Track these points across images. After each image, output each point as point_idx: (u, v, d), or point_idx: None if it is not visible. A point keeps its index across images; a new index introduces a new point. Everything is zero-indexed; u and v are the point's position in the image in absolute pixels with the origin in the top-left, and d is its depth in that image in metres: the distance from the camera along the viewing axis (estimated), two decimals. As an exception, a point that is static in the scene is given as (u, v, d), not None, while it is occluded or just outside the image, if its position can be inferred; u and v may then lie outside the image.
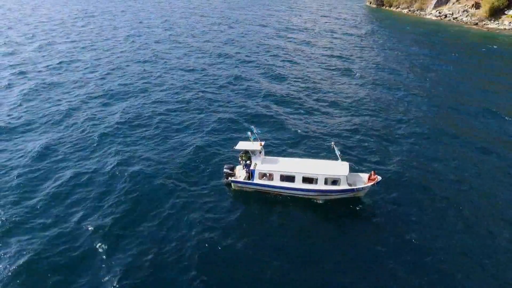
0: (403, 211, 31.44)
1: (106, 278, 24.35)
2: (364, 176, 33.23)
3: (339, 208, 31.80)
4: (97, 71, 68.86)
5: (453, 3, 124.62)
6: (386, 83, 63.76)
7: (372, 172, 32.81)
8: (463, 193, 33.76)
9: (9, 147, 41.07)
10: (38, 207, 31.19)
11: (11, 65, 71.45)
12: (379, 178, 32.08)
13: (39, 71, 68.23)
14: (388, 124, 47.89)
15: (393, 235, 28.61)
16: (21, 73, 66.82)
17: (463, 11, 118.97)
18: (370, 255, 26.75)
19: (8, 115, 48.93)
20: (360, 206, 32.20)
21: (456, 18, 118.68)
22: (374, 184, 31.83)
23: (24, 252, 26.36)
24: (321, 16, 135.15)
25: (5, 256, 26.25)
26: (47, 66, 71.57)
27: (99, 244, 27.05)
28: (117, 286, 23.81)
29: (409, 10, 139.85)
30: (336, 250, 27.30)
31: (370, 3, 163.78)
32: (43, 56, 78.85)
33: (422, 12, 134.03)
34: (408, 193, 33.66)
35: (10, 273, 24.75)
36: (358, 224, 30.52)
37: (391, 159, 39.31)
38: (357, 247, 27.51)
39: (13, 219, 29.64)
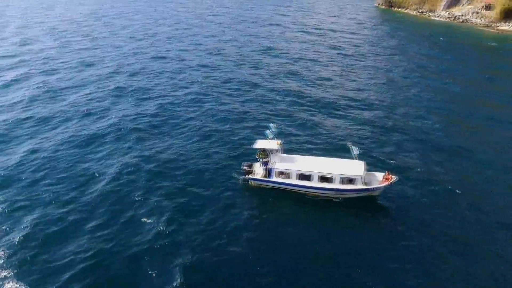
0: (418, 210, 31.36)
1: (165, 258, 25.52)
2: (380, 175, 33.18)
3: (353, 205, 31.83)
4: (125, 69, 69.92)
5: (464, 5, 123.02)
6: (398, 82, 63.41)
7: (387, 172, 32.80)
8: (487, 195, 33.38)
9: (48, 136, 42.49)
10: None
11: (33, 63, 72.51)
12: (395, 178, 32.03)
13: (62, 68, 69.17)
14: (405, 123, 47.62)
15: (404, 236, 28.60)
16: (48, 70, 67.94)
17: (474, 13, 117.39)
18: (381, 253, 26.80)
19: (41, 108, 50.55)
20: (375, 204, 32.21)
21: (467, 19, 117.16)
22: (389, 184, 31.83)
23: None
24: (331, 16, 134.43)
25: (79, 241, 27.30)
26: (70, 64, 72.55)
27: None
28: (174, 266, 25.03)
29: (419, 12, 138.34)
30: (346, 246, 27.39)
31: (380, 4, 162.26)
32: (67, 53, 79.91)
33: (431, 14, 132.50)
34: (426, 193, 33.43)
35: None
36: (372, 222, 30.50)
37: (407, 158, 39.10)
38: (369, 243, 27.58)
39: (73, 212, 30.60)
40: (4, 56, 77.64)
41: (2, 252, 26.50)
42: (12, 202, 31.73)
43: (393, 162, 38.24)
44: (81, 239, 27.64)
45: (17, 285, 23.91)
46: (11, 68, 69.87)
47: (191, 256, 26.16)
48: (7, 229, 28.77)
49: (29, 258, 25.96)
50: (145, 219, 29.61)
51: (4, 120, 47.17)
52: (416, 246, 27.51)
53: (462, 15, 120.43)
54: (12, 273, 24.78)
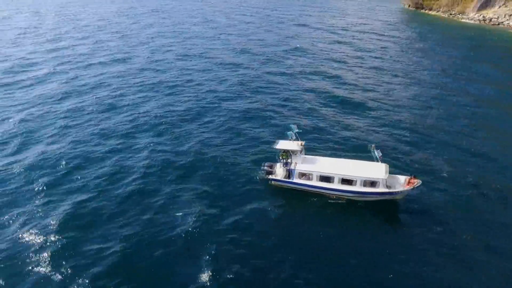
0: (442, 215, 30.58)
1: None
2: (403, 178, 32.54)
3: (374, 208, 31.41)
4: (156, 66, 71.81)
5: (499, 7, 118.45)
6: (426, 84, 61.88)
7: (412, 176, 32.15)
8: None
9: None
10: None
11: (67, 60, 75.45)
12: (419, 182, 31.35)
13: (95, 64, 71.75)
14: (431, 126, 46.54)
15: (425, 241, 27.95)
16: (81, 66, 70.54)
17: (509, 15, 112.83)
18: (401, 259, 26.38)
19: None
20: (397, 208, 31.68)
21: (501, 22, 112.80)
22: (412, 188, 31.20)
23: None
24: (358, 18, 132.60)
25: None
26: (102, 60, 74.90)
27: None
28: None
29: (449, 14, 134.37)
30: (365, 249, 27.04)
31: (408, 6, 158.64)
32: (100, 49, 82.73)
33: (462, 16, 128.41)
34: (451, 198, 32.58)
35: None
36: (392, 226, 30.04)
37: (432, 161, 38.19)
38: (385, 246, 27.16)
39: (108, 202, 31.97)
40: (39, 51, 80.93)
41: (35, 239, 27.64)
42: (46, 190, 33.21)
43: (418, 165, 37.44)
44: (110, 230, 28.48)
45: (50, 271, 24.90)
46: (46, 62, 72.73)
47: (215, 250, 26.69)
48: (42, 215, 30.03)
49: (61, 246, 26.96)
50: (173, 213, 30.39)
51: (40, 113, 49.35)
52: (439, 252, 26.88)
53: (495, 18, 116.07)
54: (45, 260, 25.78)
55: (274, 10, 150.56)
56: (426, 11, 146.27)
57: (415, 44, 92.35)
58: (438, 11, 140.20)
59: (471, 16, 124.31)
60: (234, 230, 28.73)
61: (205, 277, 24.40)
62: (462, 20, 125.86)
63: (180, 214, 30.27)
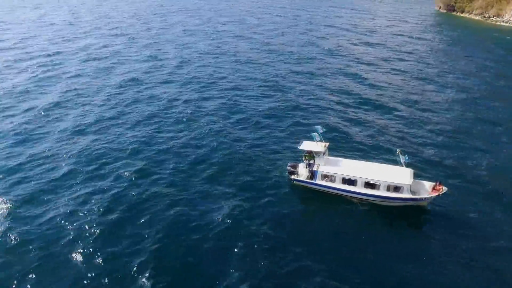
0: (468, 224, 29.79)
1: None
2: (429, 184, 31.90)
3: (399, 212, 30.99)
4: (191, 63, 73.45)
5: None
6: (460, 89, 59.79)
7: (438, 182, 31.47)
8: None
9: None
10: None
11: (105, 57, 77.89)
12: (445, 189, 30.68)
13: (130, 61, 73.87)
14: (462, 132, 45.19)
15: (450, 249, 27.35)
16: (114, 63, 72.81)
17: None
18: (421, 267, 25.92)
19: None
20: (421, 214, 31.11)
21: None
22: (438, 195, 30.56)
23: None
24: (389, 19, 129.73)
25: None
26: (136, 58, 77.09)
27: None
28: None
29: (484, 17, 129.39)
30: (386, 254, 26.78)
31: (440, 8, 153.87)
32: (133, 47, 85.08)
33: (498, 19, 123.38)
34: (481, 207, 31.57)
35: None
36: (415, 233, 29.60)
37: (462, 168, 37.13)
38: (406, 254, 26.77)
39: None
40: (76, 49, 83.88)
41: (73, 230, 28.82)
42: (84, 181, 34.84)
43: (445, 171, 36.53)
44: (140, 228, 29.29)
45: (86, 262, 26.06)
46: (83, 60, 75.10)
47: (245, 246, 27.32)
48: (76, 207, 31.32)
49: (98, 236, 28.16)
50: (202, 208, 31.27)
51: (87, 109, 51.72)
52: (459, 261, 26.28)
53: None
54: (84, 250, 26.89)
55: (302, 10, 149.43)
56: (458, 13, 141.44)
57: (447, 47, 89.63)
58: (470, 14, 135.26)
59: (507, 19, 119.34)
60: (259, 227, 29.16)
61: (235, 275, 24.82)
62: (497, 23, 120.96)
63: (208, 209, 31.00)
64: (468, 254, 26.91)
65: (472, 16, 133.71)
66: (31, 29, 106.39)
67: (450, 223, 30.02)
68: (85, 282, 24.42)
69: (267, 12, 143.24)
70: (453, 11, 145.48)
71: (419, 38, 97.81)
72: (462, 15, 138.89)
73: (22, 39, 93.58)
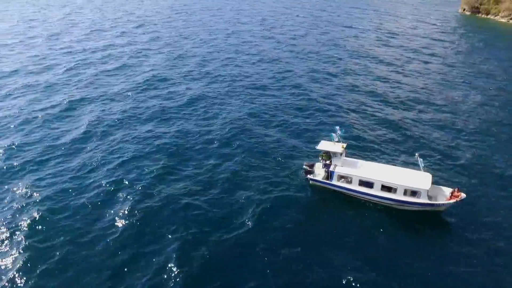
0: (487, 233, 29.24)
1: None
2: (447, 190, 31.45)
3: (415, 217, 30.65)
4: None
5: None
6: (485, 92, 58.42)
7: (457, 189, 30.97)
8: None
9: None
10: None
11: (129, 55, 79.44)
12: (463, 195, 30.15)
13: (157, 60, 75.22)
14: (486, 136, 44.24)
15: (464, 259, 26.91)
16: (140, 61, 74.27)
17: None
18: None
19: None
20: (438, 220, 30.69)
21: None
22: (456, 201, 30.06)
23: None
24: (411, 21, 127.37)
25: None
26: (165, 57, 78.07)
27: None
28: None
29: (510, 19, 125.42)
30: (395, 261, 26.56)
31: (464, 10, 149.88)
32: (159, 45, 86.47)
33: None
34: (500, 217, 30.91)
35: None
36: (429, 239, 29.12)
37: (484, 175, 36.33)
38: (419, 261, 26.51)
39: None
40: (102, 47, 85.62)
41: (98, 223, 29.65)
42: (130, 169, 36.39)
43: (465, 177, 35.86)
44: (162, 221, 30.02)
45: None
46: (109, 58, 76.65)
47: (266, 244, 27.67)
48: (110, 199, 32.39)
49: (136, 227, 29.06)
50: (226, 206, 31.82)
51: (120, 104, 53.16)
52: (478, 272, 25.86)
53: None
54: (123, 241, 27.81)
55: (323, 11, 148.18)
56: (483, 15, 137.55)
57: (471, 49, 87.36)
58: (496, 16, 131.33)
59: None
60: (276, 226, 29.48)
61: (255, 274, 25.18)
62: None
63: (229, 206, 31.63)
64: (488, 259, 26.50)
65: (498, 19, 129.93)
66: (56, 27, 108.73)
67: (468, 228, 29.57)
68: (108, 274, 25.19)
69: (290, 12, 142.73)
70: (478, 13, 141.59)
71: (442, 40, 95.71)
72: (487, 17, 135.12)
73: (49, 36, 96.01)
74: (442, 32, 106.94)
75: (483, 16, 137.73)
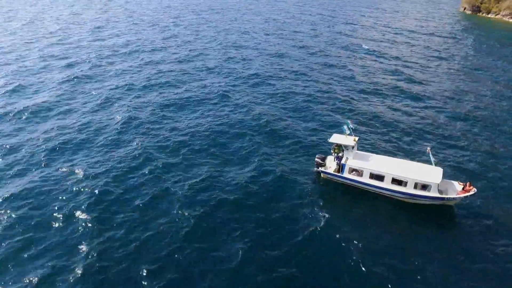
0: (497, 228, 28.46)
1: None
2: (458, 185, 30.58)
3: (426, 210, 29.86)
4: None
5: None
6: (493, 91, 57.18)
7: (468, 183, 30.11)
8: None
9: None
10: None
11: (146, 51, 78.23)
12: (474, 190, 29.28)
13: (169, 59, 74.06)
14: (496, 131, 43.19)
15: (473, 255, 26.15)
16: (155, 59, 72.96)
17: None
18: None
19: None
20: (448, 213, 29.90)
21: None
22: (467, 195, 29.22)
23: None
24: (413, 19, 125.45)
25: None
26: (176, 57, 76.55)
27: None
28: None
29: None
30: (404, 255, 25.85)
31: (465, 9, 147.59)
32: (173, 44, 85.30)
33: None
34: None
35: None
36: (439, 233, 28.26)
37: (496, 170, 35.30)
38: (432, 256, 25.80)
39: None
40: (116, 45, 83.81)
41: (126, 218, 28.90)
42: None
43: (477, 172, 34.85)
44: (175, 211, 29.52)
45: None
46: (124, 55, 74.83)
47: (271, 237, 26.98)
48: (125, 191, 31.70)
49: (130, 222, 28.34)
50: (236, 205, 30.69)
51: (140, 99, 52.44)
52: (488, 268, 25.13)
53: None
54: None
55: (331, 10, 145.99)
56: (484, 14, 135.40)
57: (474, 48, 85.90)
58: (497, 15, 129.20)
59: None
60: (285, 216, 28.90)
61: (264, 266, 24.55)
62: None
63: (241, 197, 30.87)
64: (497, 257, 25.74)
65: (499, 17, 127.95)
66: (64, 26, 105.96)
67: (479, 225, 28.76)
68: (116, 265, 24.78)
69: (300, 12, 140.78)
70: (479, 12, 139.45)
71: (443, 38, 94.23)
72: (489, 16, 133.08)
73: (62, 34, 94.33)
74: (443, 31, 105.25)
75: (484, 15, 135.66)
